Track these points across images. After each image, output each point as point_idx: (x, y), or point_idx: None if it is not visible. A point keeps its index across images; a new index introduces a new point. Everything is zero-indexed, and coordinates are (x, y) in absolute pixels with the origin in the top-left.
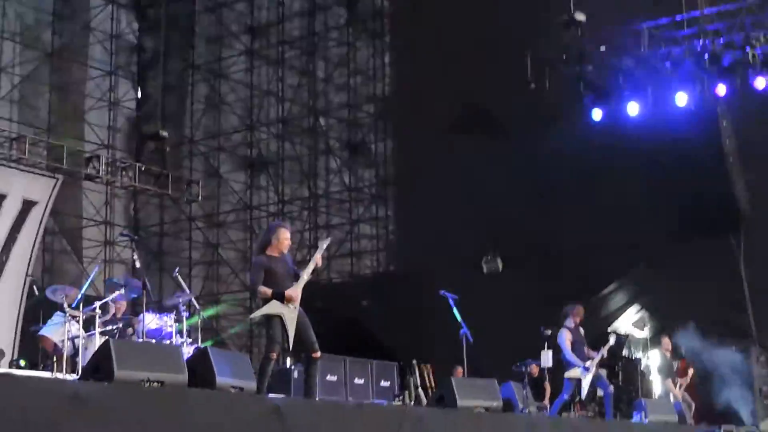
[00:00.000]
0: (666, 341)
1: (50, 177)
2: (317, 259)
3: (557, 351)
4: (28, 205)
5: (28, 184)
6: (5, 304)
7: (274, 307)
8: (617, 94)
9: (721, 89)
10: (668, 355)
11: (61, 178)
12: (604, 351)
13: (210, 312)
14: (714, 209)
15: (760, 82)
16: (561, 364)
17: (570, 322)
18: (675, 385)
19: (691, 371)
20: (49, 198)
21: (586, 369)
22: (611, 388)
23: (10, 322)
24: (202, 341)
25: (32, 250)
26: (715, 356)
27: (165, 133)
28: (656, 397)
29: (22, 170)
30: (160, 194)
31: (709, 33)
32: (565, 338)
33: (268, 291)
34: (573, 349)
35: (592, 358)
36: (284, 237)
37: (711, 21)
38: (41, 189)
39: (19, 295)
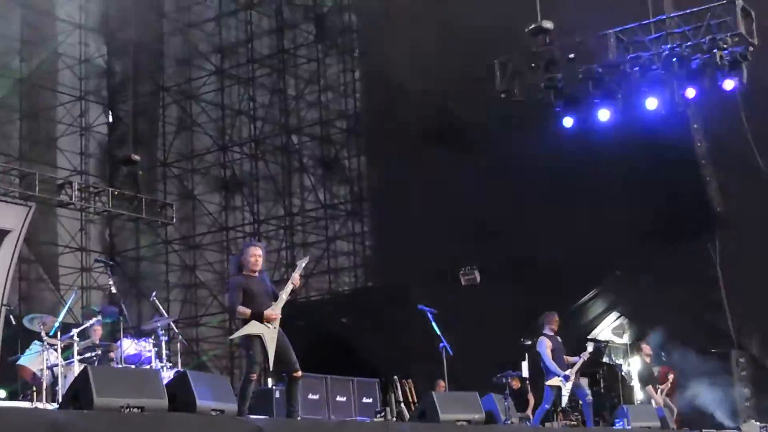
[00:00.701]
0: (646, 347)
1: (23, 205)
2: (295, 278)
3: (536, 360)
4: (1, 234)
5: (0, 213)
6: None
7: (253, 328)
8: (588, 101)
9: (691, 92)
10: (648, 360)
11: (34, 205)
12: (583, 358)
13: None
14: (689, 212)
15: (728, 84)
16: (541, 372)
17: (548, 330)
18: (656, 391)
19: (671, 376)
20: (23, 226)
21: (566, 377)
22: (590, 396)
23: None
24: (182, 365)
25: (6, 279)
26: (690, 360)
27: (137, 157)
28: (638, 403)
29: None
30: (135, 218)
31: (675, 36)
32: (545, 346)
33: (247, 311)
34: (553, 358)
35: (572, 366)
36: (254, 254)
37: (677, 25)
38: (14, 217)
39: None
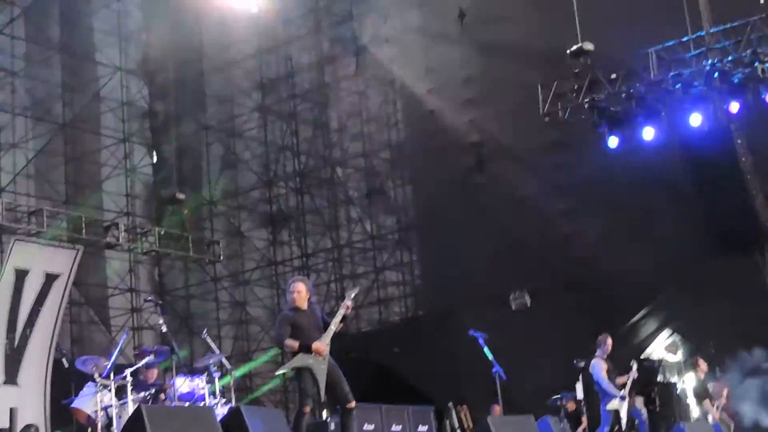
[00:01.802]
0: (702, 363)
1: (71, 248)
2: (346, 308)
3: (589, 382)
4: (50, 278)
5: (49, 257)
6: (33, 379)
7: (301, 360)
8: (631, 120)
9: (734, 107)
10: (702, 377)
11: (82, 248)
12: (633, 376)
13: (242, 371)
14: (737, 227)
15: None
16: (596, 395)
17: (602, 353)
18: (713, 407)
19: (726, 391)
20: (71, 269)
21: (623, 398)
22: (645, 415)
23: (39, 397)
24: (236, 400)
25: (56, 323)
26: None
27: (182, 196)
28: (694, 421)
29: (42, 244)
30: (183, 257)
31: (716, 51)
32: (601, 368)
33: (295, 344)
34: (608, 379)
35: (624, 386)
36: (295, 290)
37: (717, 40)
38: (63, 261)
39: (44, 369)
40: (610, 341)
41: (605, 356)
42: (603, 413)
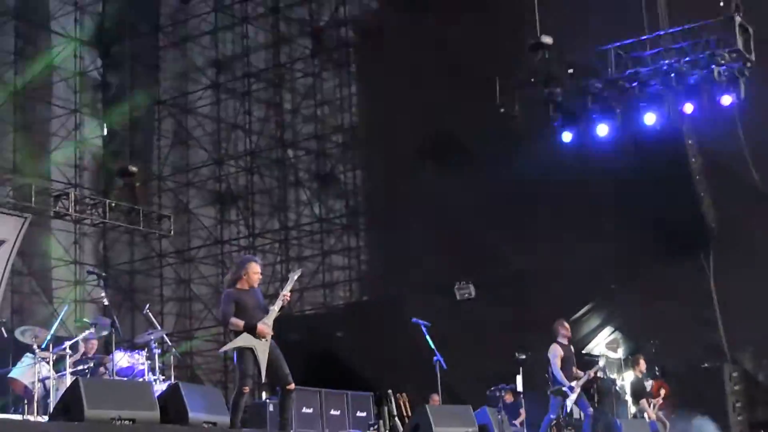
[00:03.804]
0: (642, 362)
1: (18, 216)
2: (287, 291)
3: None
4: None
5: None
6: None
7: (245, 340)
8: (586, 116)
9: (688, 107)
10: (640, 375)
11: (30, 216)
12: (591, 374)
13: (182, 348)
14: (683, 228)
15: (726, 99)
16: (546, 379)
17: (561, 339)
18: (649, 405)
19: (663, 391)
20: (17, 237)
21: (571, 389)
22: (591, 409)
23: None
24: (175, 378)
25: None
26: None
27: (134, 168)
28: (631, 418)
29: None
30: (131, 231)
31: (673, 52)
32: (557, 354)
33: (240, 323)
34: (562, 367)
35: (579, 378)
36: (254, 271)
37: (675, 40)
38: (9, 228)
39: None
40: (566, 325)
41: (566, 342)
42: (551, 399)
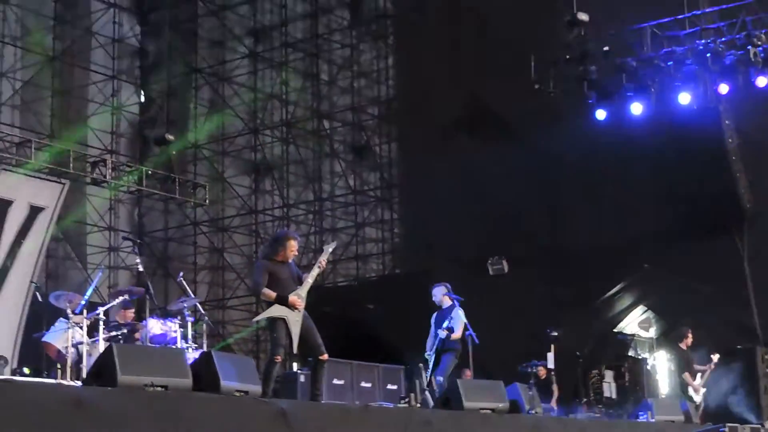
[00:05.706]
0: (689, 334)
1: (57, 182)
2: (322, 263)
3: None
4: (35, 211)
5: (34, 190)
6: (8, 311)
7: (277, 310)
8: (621, 94)
9: (723, 88)
10: (685, 348)
11: (68, 183)
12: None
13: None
14: (718, 208)
15: (761, 81)
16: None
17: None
18: (693, 378)
19: (712, 363)
20: (57, 203)
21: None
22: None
23: (12, 330)
24: (207, 346)
25: (38, 256)
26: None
27: (171, 137)
28: (662, 397)
29: (28, 176)
30: (166, 199)
31: (710, 32)
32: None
33: (272, 294)
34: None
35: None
36: (292, 248)
37: (712, 20)
38: (48, 194)
39: (22, 302)
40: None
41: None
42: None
